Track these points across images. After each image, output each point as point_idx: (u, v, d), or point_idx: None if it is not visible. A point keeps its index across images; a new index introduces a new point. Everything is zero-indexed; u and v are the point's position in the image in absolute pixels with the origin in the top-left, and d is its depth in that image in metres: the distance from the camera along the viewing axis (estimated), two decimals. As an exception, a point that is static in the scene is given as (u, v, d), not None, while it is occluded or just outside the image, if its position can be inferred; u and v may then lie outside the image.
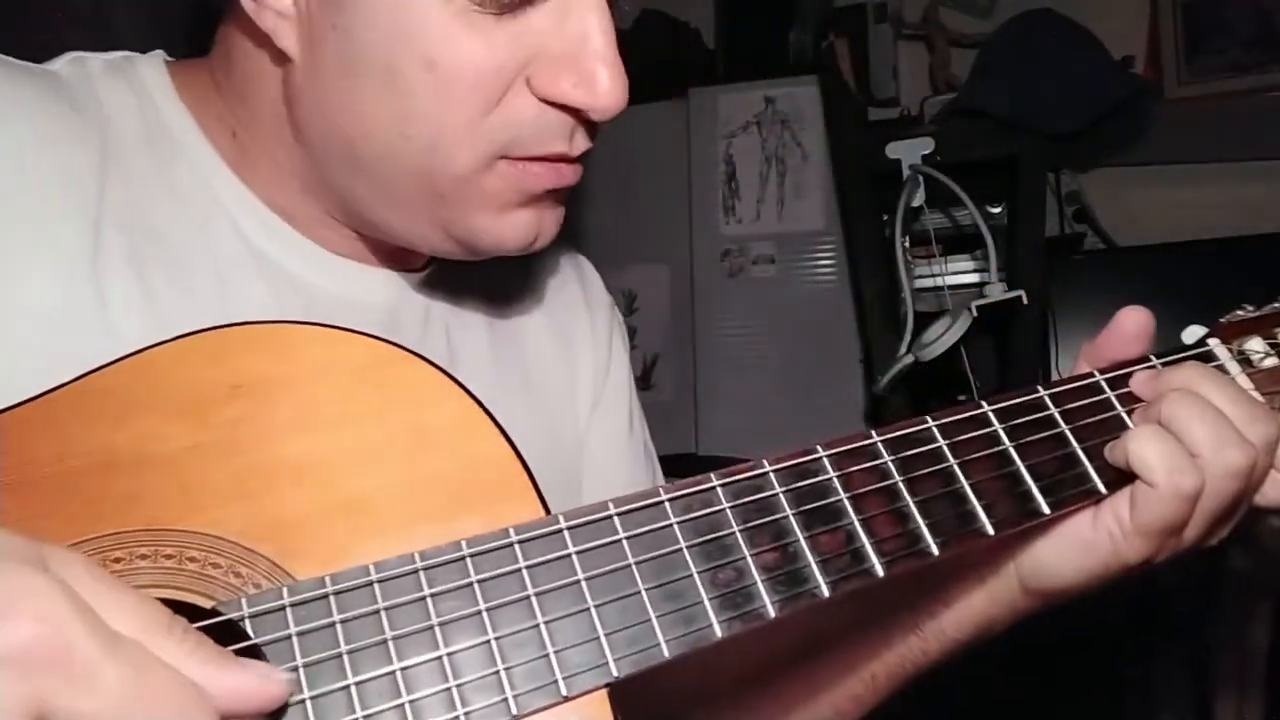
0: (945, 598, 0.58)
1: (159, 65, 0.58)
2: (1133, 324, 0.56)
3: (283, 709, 0.34)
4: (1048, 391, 0.51)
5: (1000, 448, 0.49)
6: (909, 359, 1.59)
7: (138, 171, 0.53)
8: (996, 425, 0.49)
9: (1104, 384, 0.52)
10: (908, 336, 1.60)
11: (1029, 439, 0.49)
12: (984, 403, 0.51)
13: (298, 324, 0.45)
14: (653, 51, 1.97)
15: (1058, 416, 0.50)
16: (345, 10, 0.48)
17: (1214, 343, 0.56)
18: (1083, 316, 1.70)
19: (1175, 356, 0.55)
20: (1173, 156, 1.80)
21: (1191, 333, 0.58)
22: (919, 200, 1.64)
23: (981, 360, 1.70)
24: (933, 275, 1.77)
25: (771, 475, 0.44)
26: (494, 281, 0.68)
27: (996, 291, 1.52)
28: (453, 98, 0.48)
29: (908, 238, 1.69)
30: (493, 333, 0.67)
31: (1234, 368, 0.55)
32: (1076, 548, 0.51)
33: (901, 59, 1.94)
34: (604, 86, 0.49)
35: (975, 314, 1.50)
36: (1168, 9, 1.79)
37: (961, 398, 1.78)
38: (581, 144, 0.53)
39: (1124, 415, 0.51)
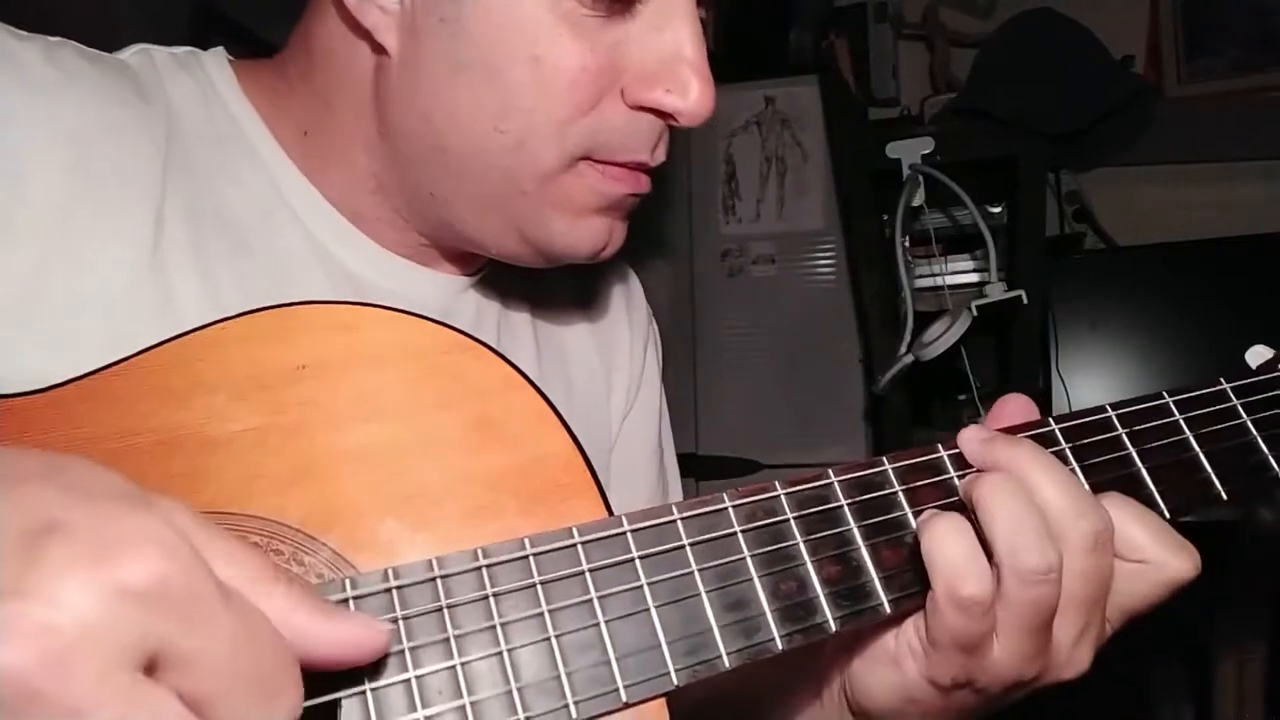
0: (790, 704, 0.54)
1: (223, 62, 0.58)
2: (1009, 412, 0.49)
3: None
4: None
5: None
6: (909, 359, 1.59)
7: (202, 163, 0.54)
8: (1063, 444, 0.46)
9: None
10: (908, 336, 1.60)
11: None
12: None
13: (366, 305, 0.44)
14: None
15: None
16: (455, 3, 0.49)
17: None
18: (1083, 316, 1.70)
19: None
20: (1173, 156, 1.80)
21: (1257, 353, 0.47)
22: (919, 200, 1.64)
23: (981, 360, 1.70)
24: (933, 275, 1.78)
25: (836, 486, 0.43)
26: (542, 287, 0.68)
27: (996, 291, 1.52)
28: (551, 95, 0.49)
29: (908, 237, 1.69)
30: (538, 336, 0.68)
31: None
32: (884, 663, 0.45)
33: (901, 59, 1.94)
34: (696, 93, 0.51)
35: (975, 314, 1.50)
36: (1168, 9, 1.79)
37: (961, 397, 1.78)
38: (660, 155, 0.55)
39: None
